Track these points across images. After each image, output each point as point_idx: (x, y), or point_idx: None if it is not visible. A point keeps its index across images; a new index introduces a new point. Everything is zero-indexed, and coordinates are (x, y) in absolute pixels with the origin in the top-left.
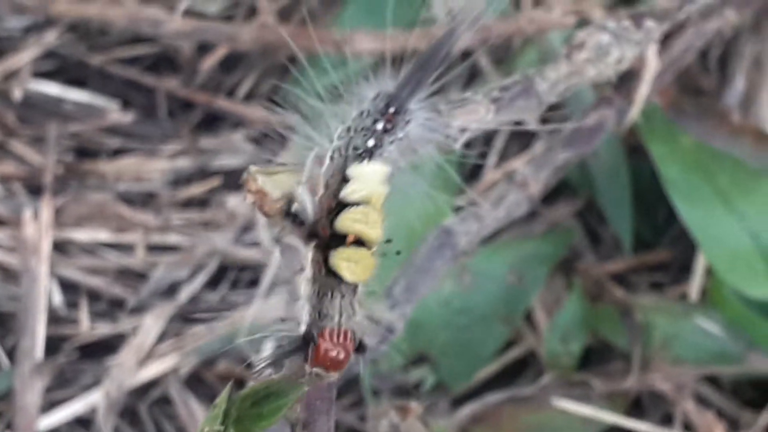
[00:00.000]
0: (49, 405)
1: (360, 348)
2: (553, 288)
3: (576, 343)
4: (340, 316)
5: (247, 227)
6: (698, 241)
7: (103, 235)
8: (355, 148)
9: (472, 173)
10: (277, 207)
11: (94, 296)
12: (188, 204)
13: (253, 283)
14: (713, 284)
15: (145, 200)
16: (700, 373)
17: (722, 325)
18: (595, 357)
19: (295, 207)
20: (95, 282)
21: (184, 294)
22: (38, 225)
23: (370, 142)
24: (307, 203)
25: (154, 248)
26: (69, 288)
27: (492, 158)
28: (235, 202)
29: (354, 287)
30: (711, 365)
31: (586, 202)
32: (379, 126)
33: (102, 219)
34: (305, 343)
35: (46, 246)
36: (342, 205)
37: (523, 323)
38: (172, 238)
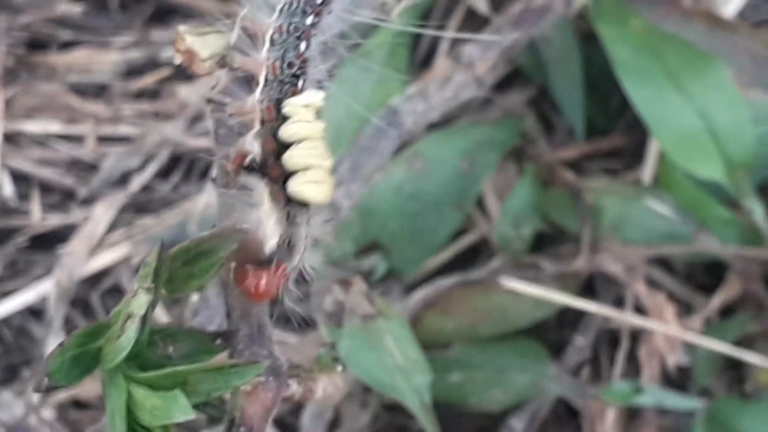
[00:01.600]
0: (1, 295)
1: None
2: (505, 174)
3: (527, 227)
4: (304, 251)
5: (198, 117)
6: (648, 123)
7: (54, 126)
8: (290, 65)
9: (423, 61)
10: (205, 66)
11: (45, 187)
12: (139, 95)
13: (205, 173)
14: (663, 166)
15: (96, 92)
16: (650, 254)
17: (672, 207)
18: (547, 242)
19: (248, 160)
20: (46, 173)
21: (136, 184)
22: None
23: (302, 46)
24: (256, 151)
25: (105, 139)
26: (20, 179)
27: (444, 44)
28: (186, 92)
29: (310, 212)
30: (661, 246)
31: (540, 91)
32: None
33: (53, 110)
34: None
35: None
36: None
37: (475, 210)
38: (123, 129)
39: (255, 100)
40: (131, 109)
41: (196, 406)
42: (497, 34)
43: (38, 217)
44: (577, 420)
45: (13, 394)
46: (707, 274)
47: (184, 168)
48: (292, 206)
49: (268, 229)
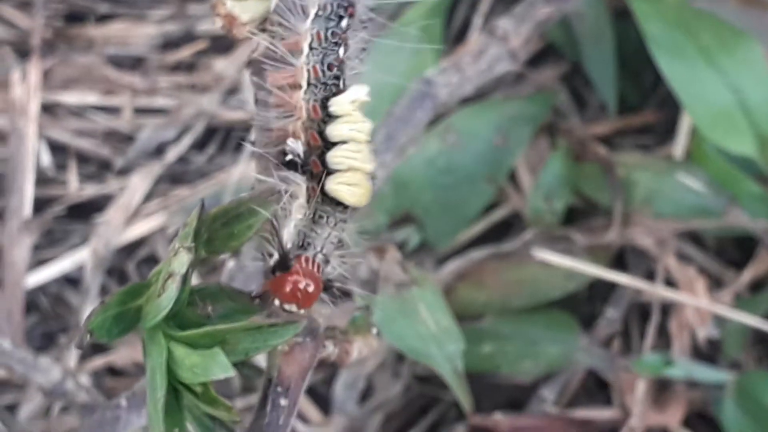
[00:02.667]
0: (38, 263)
1: (328, 287)
2: (537, 149)
3: (559, 200)
4: (322, 247)
5: (234, 89)
6: (681, 99)
7: (91, 97)
8: (330, 67)
9: (457, 36)
10: (245, 30)
11: (82, 158)
12: (175, 68)
13: (240, 144)
14: (695, 141)
15: (133, 64)
16: (681, 228)
17: (704, 181)
18: (578, 216)
19: (288, 155)
20: (83, 144)
21: (171, 155)
22: (26, 87)
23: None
24: (299, 150)
25: (141, 111)
26: (57, 150)
27: (477, 20)
28: (221, 65)
29: (348, 214)
30: (692, 220)
31: (572, 66)
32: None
33: (90, 82)
34: (281, 266)
35: (34, 107)
36: (330, 141)
37: (507, 184)
38: (159, 101)
39: (299, 99)
40: (167, 82)
41: (234, 366)
42: (531, 9)
43: (75, 186)
44: (607, 391)
45: (50, 359)
46: (737, 249)
47: (220, 140)
48: (325, 205)
49: (292, 224)
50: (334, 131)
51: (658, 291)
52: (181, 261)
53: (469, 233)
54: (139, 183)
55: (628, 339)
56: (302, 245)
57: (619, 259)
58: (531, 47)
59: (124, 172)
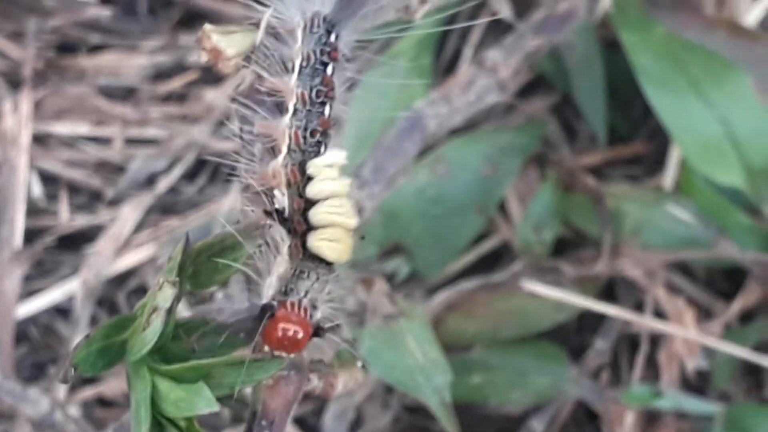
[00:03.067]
0: (28, 293)
1: (318, 331)
2: (527, 179)
3: (548, 231)
4: (306, 293)
5: (224, 120)
6: (670, 130)
7: (82, 128)
8: (312, 133)
9: (447, 67)
10: (231, 64)
11: (73, 188)
12: (166, 98)
13: (231, 176)
14: (685, 172)
15: (124, 94)
16: (670, 259)
17: (693, 212)
18: (568, 246)
19: (276, 205)
20: (74, 174)
21: (162, 185)
22: (18, 117)
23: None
24: (285, 205)
25: (132, 141)
26: (48, 180)
27: (468, 51)
28: (212, 95)
29: (330, 270)
30: (681, 251)
31: (562, 97)
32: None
33: (81, 112)
34: (262, 314)
35: (25, 138)
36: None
37: (497, 215)
38: (151, 131)
39: (278, 165)
40: (158, 112)
41: (219, 400)
42: (520, 40)
43: (66, 217)
44: (597, 423)
45: (39, 390)
46: (727, 280)
47: (210, 170)
48: (307, 261)
49: (274, 276)
50: (312, 190)
51: (647, 322)
52: (165, 295)
53: (459, 264)
54: (129, 213)
55: (617, 370)
56: (285, 292)
57: (609, 290)
58: (521, 78)
59: (115, 202)
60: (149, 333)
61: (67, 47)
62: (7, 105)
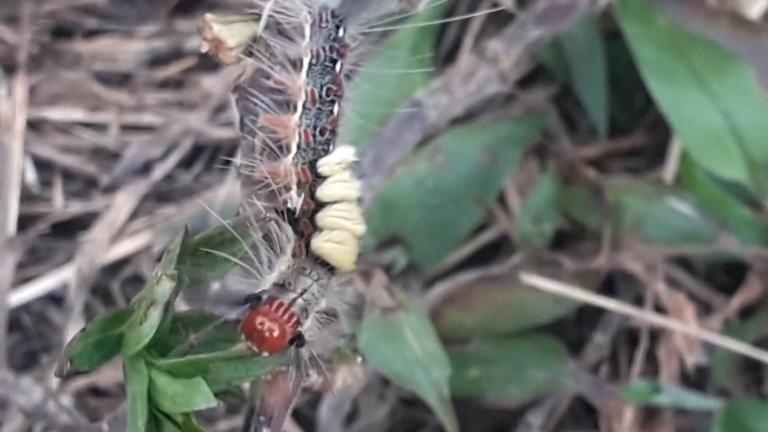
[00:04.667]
0: (21, 281)
1: (299, 339)
2: (526, 171)
3: (548, 223)
4: (302, 293)
5: (221, 107)
6: (672, 122)
7: (77, 114)
8: (322, 132)
9: (447, 57)
10: (232, 54)
11: (67, 175)
12: (163, 84)
13: (228, 162)
14: (686, 165)
15: (120, 80)
16: (671, 253)
17: (694, 206)
18: (567, 239)
19: (289, 205)
20: (69, 160)
21: (158, 173)
22: (12, 102)
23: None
24: (300, 203)
25: (128, 128)
26: (43, 166)
27: (468, 41)
28: (209, 82)
29: (330, 274)
30: (682, 245)
31: (563, 88)
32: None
33: (76, 98)
34: (246, 302)
35: (19, 123)
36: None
37: (496, 206)
38: (147, 118)
39: (289, 163)
40: (155, 98)
41: (216, 395)
42: (522, 31)
43: (60, 204)
44: (595, 417)
45: (32, 379)
46: (727, 275)
47: (207, 158)
48: (310, 262)
49: (275, 273)
50: (324, 191)
51: (646, 316)
52: (163, 289)
53: (458, 255)
54: (124, 201)
55: (616, 365)
56: (282, 286)
57: (608, 284)
58: (521, 68)
59: (110, 189)
60: (146, 327)
61: (62, 32)
62: (1, 90)
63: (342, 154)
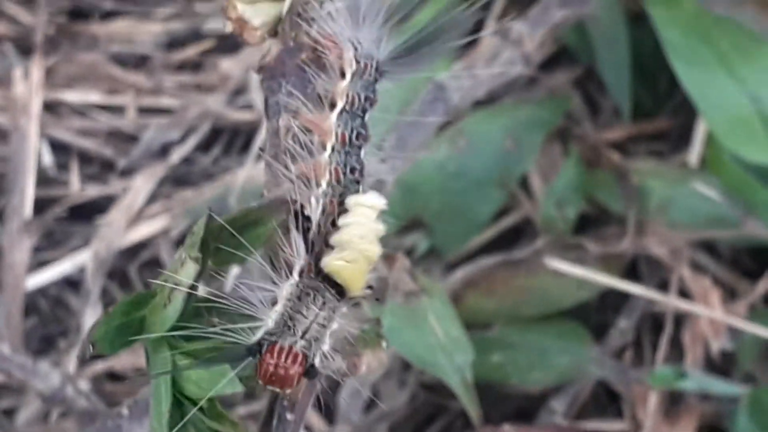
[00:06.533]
0: (38, 265)
1: (310, 372)
2: (549, 155)
3: (571, 208)
4: (310, 325)
5: (239, 90)
6: (698, 105)
7: (94, 96)
8: (352, 171)
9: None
10: (257, 35)
11: (84, 158)
12: (181, 67)
13: (246, 146)
14: (712, 149)
15: (138, 62)
16: (696, 237)
17: (720, 190)
18: (591, 223)
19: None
20: (86, 143)
21: (176, 156)
22: (28, 84)
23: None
24: (318, 214)
25: (145, 110)
26: (59, 149)
27: (491, 22)
28: (228, 65)
29: (338, 297)
30: (707, 229)
31: (586, 70)
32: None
33: (94, 80)
34: (250, 354)
35: (36, 106)
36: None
37: (519, 190)
38: (164, 101)
39: (318, 193)
40: (172, 81)
41: (239, 379)
42: (546, 12)
43: (77, 187)
44: (618, 403)
45: (49, 364)
46: (753, 260)
47: (225, 141)
48: (319, 285)
49: (279, 305)
50: (347, 229)
51: (671, 302)
52: (188, 272)
53: (479, 239)
54: (142, 184)
55: (640, 350)
56: (285, 323)
57: (632, 269)
58: (544, 51)
59: (127, 172)
60: (170, 310)
61: (79, 13)
62: (18, 72)
63: (373, 199)
